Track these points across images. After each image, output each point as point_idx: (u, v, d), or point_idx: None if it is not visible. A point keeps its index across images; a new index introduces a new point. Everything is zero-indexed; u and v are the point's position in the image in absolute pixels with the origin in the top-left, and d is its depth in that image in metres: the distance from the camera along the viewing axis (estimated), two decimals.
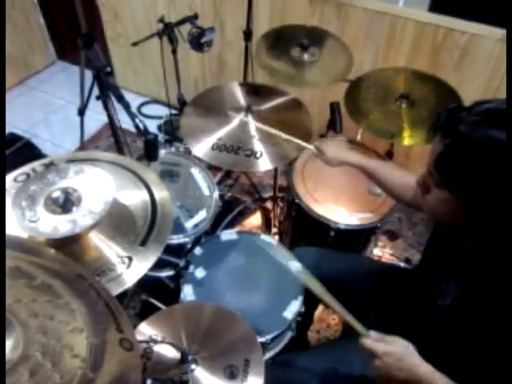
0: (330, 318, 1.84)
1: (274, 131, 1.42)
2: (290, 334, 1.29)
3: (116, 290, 0.88)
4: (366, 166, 1.21)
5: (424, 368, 0.82)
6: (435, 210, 0.83)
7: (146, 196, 1.08)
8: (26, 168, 1.08)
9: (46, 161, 1.11)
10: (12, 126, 2.61)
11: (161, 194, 1.10)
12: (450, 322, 0.90)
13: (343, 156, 1.25)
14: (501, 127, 0.68)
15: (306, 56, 1.70)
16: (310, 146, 1.36)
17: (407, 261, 2.03)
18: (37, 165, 1.10)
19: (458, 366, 0.87)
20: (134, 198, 1.08)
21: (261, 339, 1.16)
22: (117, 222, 1.00)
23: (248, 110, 1.56)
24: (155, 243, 0.98)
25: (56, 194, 0.93)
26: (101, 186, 0.95)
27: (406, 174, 1.15)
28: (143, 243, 0.98)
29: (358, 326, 0.92)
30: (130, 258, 0.94)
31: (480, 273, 0.83)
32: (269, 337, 1.19)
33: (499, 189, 0.69)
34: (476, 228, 0.77)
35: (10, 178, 1.06)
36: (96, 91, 1.50)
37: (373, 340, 0.88)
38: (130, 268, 0.92)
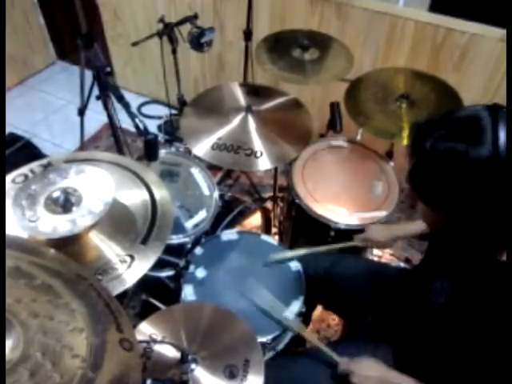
0: (330, 318, 1.84)
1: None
2: (290, 334, 1.29)
3: (118, 289, 0.88)
4: (411, 233, 1.27)
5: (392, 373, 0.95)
6: (424, 220, 0.85)
7: (145, 195, 1.08)
8: (24, 169, 1.08)
9: (44, 161, 1.11)
10: (12, 126, 2.61)
11: (160, 192, 1.10)
12: (443, 320, 0.90)
13: (394, 234, 1.30)
14: (460, 139, 0.69)
15: (306, 56, 1.70)
16: (355, 243, 1.36)
17: (407, 261, 2.03)
18: (35, 166, 1.09)
19: (450, 364, 0.87)
20: (134, 197, 1.08)
21: (261, 339, 1.16)
22: (117, 221, 1.01)
23: (248, 109, 1.56)
24: (156, 241, 0.98)
25: (56, 194, 0.93)
26: (101, 186, 0.95)
27: None
28: (144, 241, 0.98)
29: (333, 355, 1.06)
30: (132, 257, 0.94)
31: (474, 272, 0.83)
32: (269, 337, 1.19)
33: (470, 198, 0.70)
34: (460, 236, 0.79)
35: (8, 179, 1.05)
36: (96, 91, 1.50)
37: (346, 362, 1.02)
38: (132, 266, 0.92)
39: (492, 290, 0.79)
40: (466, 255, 0.85)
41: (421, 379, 0.90)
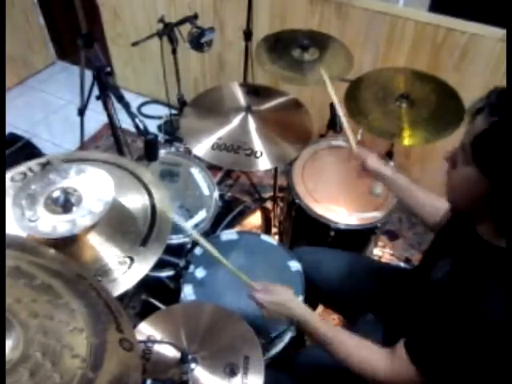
0: (330, 317, 1.84)
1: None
2: (290, 334, 1.29)
3: (118, 291, 0.88)
4: (398, 181, 1.23)
5: (298, 310, 1.02)
6: (456, 187, 0.84)
7: (144, 195, 1.08)
8: (23, 167, 1.07)
9: (42, 160, 1.10)
10: (12, 126, 2.61)
11: (159, 193, 1.09)
12: (437, 297, 0.89)
13: (381, 167, 1.27)
14: None
15: (306, 56, 1.70)
16: (354, 146, 1.34)
17: (407, 261, 2.03)
18: (33, 164, 1.08)
19: (443, 353, 0.86)
20: (133, 197, 1.08)
21: (261, 339, 1.16)
22: (117, 222, 1.00)
23: (248, 109, 1.56)
24: (156, 243, 0.98)
25: (56, 194, 0.92)
26: (101, 187, 0.95)
27: (435, 197, 1.18)
28: (144, 243, 0.98)
29: (245, 277, 1.11)
30: (132, 259, 0.94)
31: (477, 254, 0.83)
32: (269, 337, 1.19)
33: None
34: (492, 214, 0.78)
35: (6, 177, 1.05)
36: (96, 91, 1.50)
37: (258, 292, 1.06)
38: (132, 268, 0.92)
39: (493, 275, 0.79)
40: (473, 238, 0.85)
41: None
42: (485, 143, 0.74)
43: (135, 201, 1.07)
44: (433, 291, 0.91)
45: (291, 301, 1.05)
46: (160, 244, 0.98)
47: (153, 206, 1.06)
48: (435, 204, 1.15)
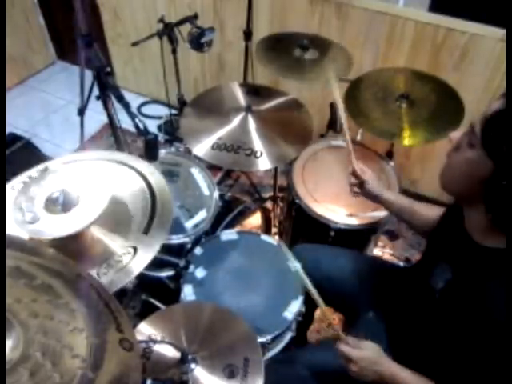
0: (331, 317, 1.84)
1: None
2: (290, 334, 1.29)
3: (125, 280, 0.89)
4: (400, 203, 1.23)
5: (392, 370, 0.94)
6: (455, 169, 0.83)
7: (143, 186, 1.09)
8: (22, 177, 1.09)
9: (41, 167, 1.11)
10: (12, 126, 2.61)
11: (157, 182, 1.10)
12: (441, 306, 0.90)
13: (382, 191, 1.26)
14: None
15: (306, 55, 1.70)
16: (355, 162, 1.30)
17: (407, 261, 2.04)
18: (32, 172, 1.10)
19: (447, 355, 0.87)
20: (132, 190, 1.08)
21: (261, 339, 1.16)
22: (117, 214, 1.01)
23: (248, 110, 1.56)
24: (158, 230, 0.98)
25: (55, 195, 0.93)
26: (98, 184, 0.95)
27: (436, 208, 1.16)
28: (146, 231, 0.98)
29: (336, 327, 1.04)
30: (135, 248, 0.94)
31: (475, 260, 0.83)
32: (269, 337, 1.19)
33: None
34: (485, 200, 0.77)
35: (8, 186, 1.06)
36: (96, 91, 1.50)
37: (350, 346, 0.98)
38: (136, 257, 0.93)
39: (492, 276, 0.79)
40: (470, 241, 0.85)
41: (419, 371, 0.90)
42: (495, 125, 0.74)
43: (134, 191, 1.08)
44: (438, 303, 0.91)
45: (381, 357, 0.97)
46: (162, 230, 0.98)
47: (152, 193, 1.07)
48: (437, 214, 1.12)
